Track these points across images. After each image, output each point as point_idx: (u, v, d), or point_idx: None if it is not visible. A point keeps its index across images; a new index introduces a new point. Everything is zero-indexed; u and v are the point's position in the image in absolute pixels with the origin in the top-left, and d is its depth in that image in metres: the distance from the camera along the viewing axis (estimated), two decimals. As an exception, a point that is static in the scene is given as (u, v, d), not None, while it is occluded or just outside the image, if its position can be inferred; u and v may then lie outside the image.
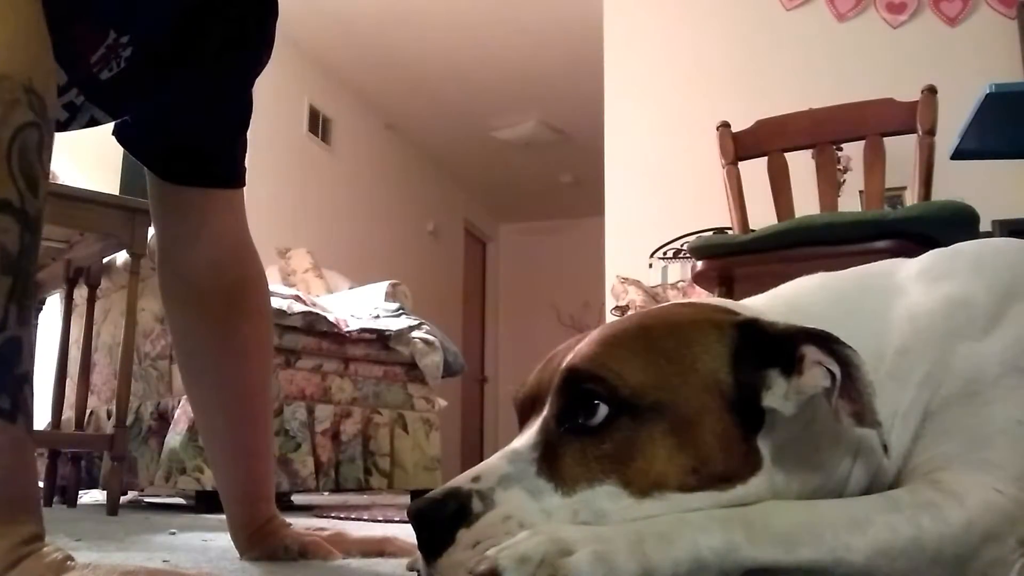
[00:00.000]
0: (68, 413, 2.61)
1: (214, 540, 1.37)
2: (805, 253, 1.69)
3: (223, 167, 1.07)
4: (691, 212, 3.46)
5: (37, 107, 0.65)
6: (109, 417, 2.59)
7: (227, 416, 1.10)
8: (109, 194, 2.33)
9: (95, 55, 0.85)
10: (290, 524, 1.10)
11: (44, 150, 0.67)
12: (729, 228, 2.31)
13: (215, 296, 1.07)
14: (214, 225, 1.06)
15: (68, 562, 0.64)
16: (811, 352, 0.59)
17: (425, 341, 3.02)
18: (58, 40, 0.70)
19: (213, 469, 1.18)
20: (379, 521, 1.99)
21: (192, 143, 1.03)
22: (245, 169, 1.10)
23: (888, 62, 3.33)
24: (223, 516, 1.13)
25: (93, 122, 0.96)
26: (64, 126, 0.93)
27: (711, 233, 3.06)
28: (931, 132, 1.88)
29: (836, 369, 0.58)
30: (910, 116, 1.91)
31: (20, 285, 0.63)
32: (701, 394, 0.59)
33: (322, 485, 2.65)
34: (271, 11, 1.05)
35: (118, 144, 1.06)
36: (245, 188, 1.10)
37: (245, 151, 1.09)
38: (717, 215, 2.99)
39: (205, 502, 2.37)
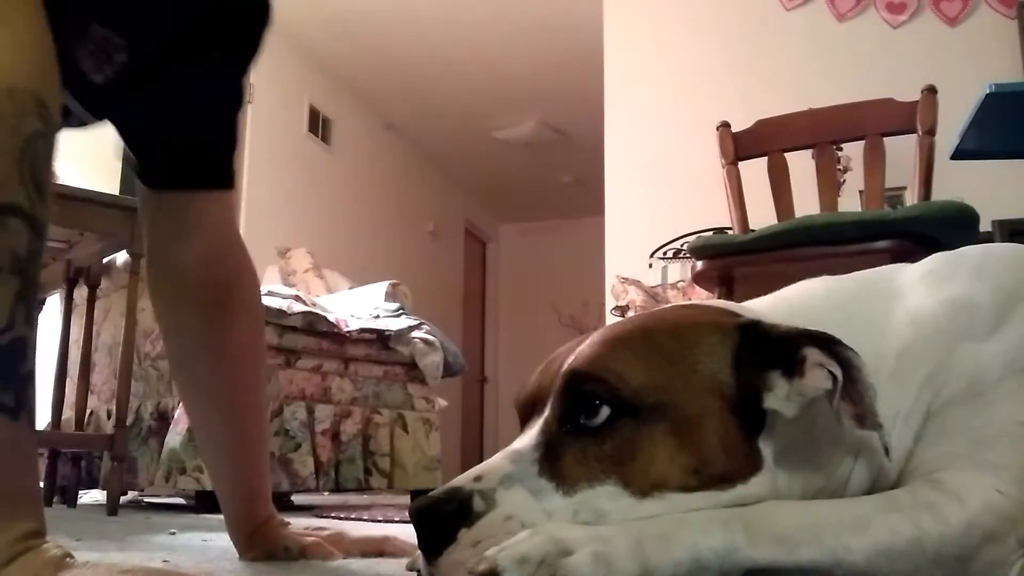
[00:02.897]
0: (68, 413, 2.61)
1: (214, 540, 1.37)
2: (805, 253, 1.69)
3: (212, 170, 1.07)
4: (691, 212, 3.46)
5: (46, 117, 0.68)
6: (109, 417, 2.59)
7: (221, 414, 1.10)
8: (109, 194, 2.33)
9: (82, 53, 0.85)
10: (288, 523, 1.10)
11: (51, 159, 0.70)
12: (729, 228, 2.31)
13: (206, 291, 1.06)
14: (204, 223, 1.06)
15: (67, 559, 0.64)
16: (813, 354, 0.59)
17: (425, 341, 3.02)
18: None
19: (209, 469, 1.18)
20: (379, 521, 1.99)
21: (181, 146, 1.04)
22: (234, 171, 1.10)
23: (888, 62, 3.33)
24: (223, 516, 1.13)
25: (80, 124, 0.97)
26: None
27: (711, 233, 3.05)
28: (931, 132, 1.88)
29: (837, 371, 0.58)
30: (910, 116, 1.91)
31: (27, 287, 0.66)
32: (703, 395, 0.60)
33: (322, 485, 2.65)
34: (262, 17, 1.04)
35: (118, 141, 1.06)
36: (246, 188, 1.11)
37: (234, 152, 1.09)
38: (717, 215, 2.99)
39: (205, 502, 2.37)
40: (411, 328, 3.02)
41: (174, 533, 1.54)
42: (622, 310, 3.28)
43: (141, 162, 1.05)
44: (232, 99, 1.06)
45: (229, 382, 1.09)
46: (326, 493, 3.30)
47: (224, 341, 1.08)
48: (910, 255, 1.43)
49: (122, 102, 0.98)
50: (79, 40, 0.85)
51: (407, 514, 0.61)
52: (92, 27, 0.85)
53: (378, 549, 1.09)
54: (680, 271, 3.52)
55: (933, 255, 0.77)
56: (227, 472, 1.12)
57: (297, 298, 2.79)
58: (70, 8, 0.78)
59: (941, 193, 1.91)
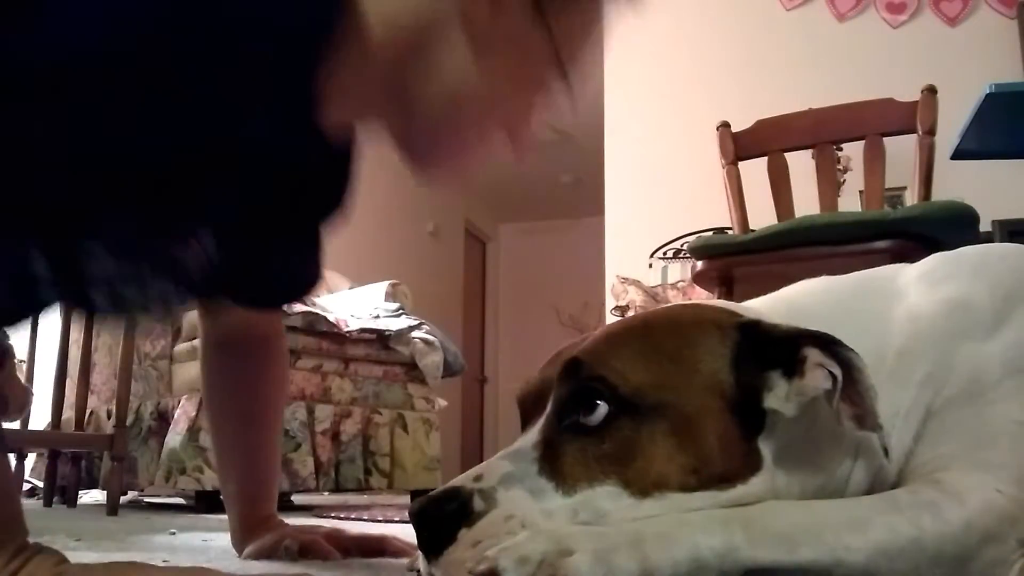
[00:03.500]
0: (68, 413, 2.61)
1: (214, 540, 1.37)
2: (805, 253, 1.70)
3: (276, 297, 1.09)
4: (691, 212, 3.46)
5: None
6: (109, 417, 2.59)
7: (242, 425, 1.13)
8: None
9: (190, 259, 0.84)
10: (288, 525, 1.11)
11: None
12: (729, 228, 2.32)
13: (246, 345, 1.12)
14: None
15: (61, 564, 0.63)
16: (813, 354, 0.59)
17: (425, 341, 3.03)
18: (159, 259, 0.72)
19: (218, 465, 1.19)
20: (379, 521, 1.99)
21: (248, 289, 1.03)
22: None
23: (888, 62, 3.33)
24: (223, 516, 1.14)
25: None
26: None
27: (711, 233, 3.06)
28: (931, 132, 1.88)
29: (838, 371, 0.57)
30: (910, 116, 1.91)
31: None
32: (702, 395, 0.60)
33: (322, 485, 2.65)
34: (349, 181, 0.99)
35: None
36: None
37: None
38: (717, 215, 2.99)
39: (205, 502, 2.37)
40: (411, 328, 3.02)
41: (174, 533, 1.55)
42: (622, 310, 3.29)
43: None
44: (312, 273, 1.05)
45: (255, 404, 1.14)
46: (326, 493, 3.29)
47: (256, 382, 1.14)
48: (910, 255, 1.44)
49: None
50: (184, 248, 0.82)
51: (407, 514, 0.61)
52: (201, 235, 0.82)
53: (378, 548, 1.09)
54: (680, 271, 3.52)
55: (933, 255, 0.77)
56: (236, 472, 1.13)
57: (297, 298, 2.79)
58: (177, 220, 0.77)
59: (941, 193, 1.91)
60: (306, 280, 1.06)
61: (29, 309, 0.77)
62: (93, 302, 0.76)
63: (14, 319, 0.74)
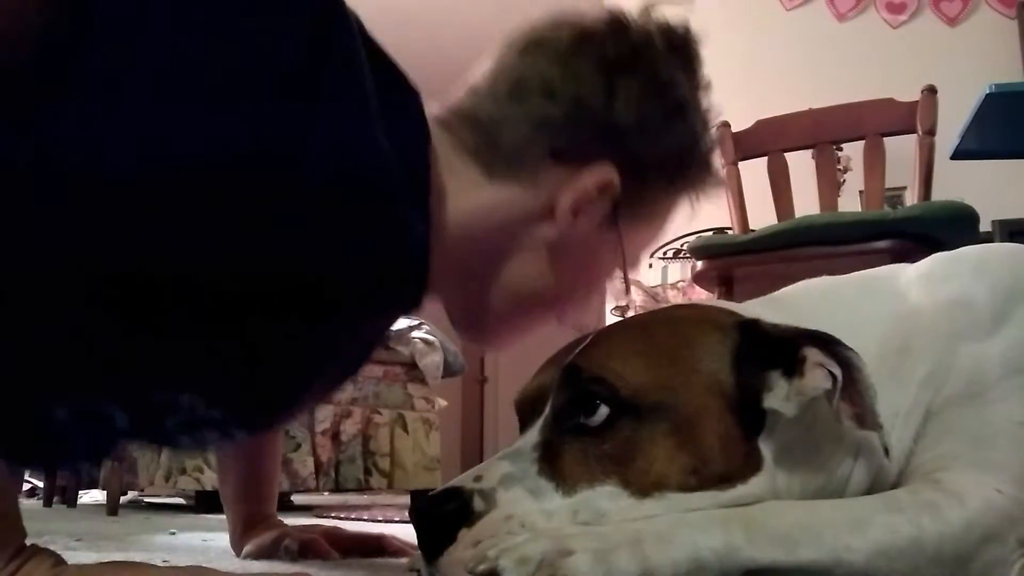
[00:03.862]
0: (68, 413, 2.60)
1: (214, 540, 1.37)
2: (805, 253, 1.70)
3: None
4: (691, 212, 3.45)
5: None
6: (109, 417, 2.59)
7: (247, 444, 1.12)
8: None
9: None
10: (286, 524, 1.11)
11: None
12: (729, 228, 2.32)
13: None
14: None
15: (59, 566, 0.63)
16: (812, 354, 0.59)
17: (425, 341, 3.02)
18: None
19: (218, 465, 1.19)
20: (379, 521, 1.99)
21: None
22: None
23: (888, 62, 3.33)
24: (223, 516, 1.14)
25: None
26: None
27: (711, 233, 3.05)
28: (931, 132, 1.88)
29: (837, 371, 0.57)
30: (910, 116, 1.91)
31: None
32: (702, 395, 0.59)
33: (322, 485, 2.65)
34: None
35: None
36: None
37: None
38: (717, 215, 2.99)
39: (205, 502, 2.37)
40: (411, 328, 3.02)
41: (174, 533, 1.55)
42: (622, 310, 3.28)
43: None
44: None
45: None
46: (326, 493, 3.29)
47: None
48: (910, 255, 1.44)
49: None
50: None
51: (407, 514, 0.61)
52: None
53: (377, 548, 1.09)
54: (680, 271, 3.51)
55: (933, 255, 0.77)
56: (235, 472, 1.13)
57: (297, 298, 2.78)
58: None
59: (941, 193, 1.91)
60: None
61: (108, 452, 0.78)
62: (177, 441, 0.79)
63: (95, 459, 0.75)
